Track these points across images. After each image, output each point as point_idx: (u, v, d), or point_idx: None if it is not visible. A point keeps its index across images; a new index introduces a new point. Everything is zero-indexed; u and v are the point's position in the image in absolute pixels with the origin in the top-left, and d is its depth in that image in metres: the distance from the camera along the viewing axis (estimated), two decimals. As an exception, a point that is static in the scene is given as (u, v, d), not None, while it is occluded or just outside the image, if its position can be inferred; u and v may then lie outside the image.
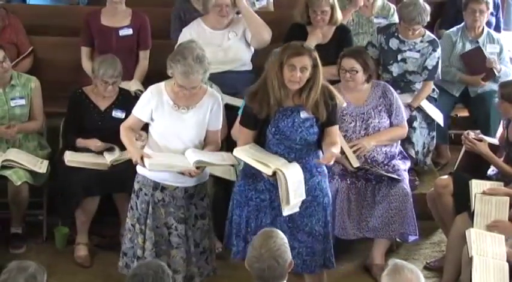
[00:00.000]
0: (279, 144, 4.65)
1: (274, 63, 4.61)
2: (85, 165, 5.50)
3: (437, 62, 6.34)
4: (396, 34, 6.37)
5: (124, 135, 4.86)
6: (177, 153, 4.77)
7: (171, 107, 4.79)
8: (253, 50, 6.31)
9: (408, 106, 6.17)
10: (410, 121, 6.06)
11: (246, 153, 4.61)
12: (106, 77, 5.64)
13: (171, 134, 4.79)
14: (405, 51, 6.33)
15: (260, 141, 4.71)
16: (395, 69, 6.36)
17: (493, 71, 6.51)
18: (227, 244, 4.95)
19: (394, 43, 6.37)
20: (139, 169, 4.88)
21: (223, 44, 6.22)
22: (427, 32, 6.42)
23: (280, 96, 4.58)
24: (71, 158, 5.54)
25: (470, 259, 4.60)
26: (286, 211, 4.60)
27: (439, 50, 6.35)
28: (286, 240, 3.80)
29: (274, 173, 4.53)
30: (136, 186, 4.91)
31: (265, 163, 4.55)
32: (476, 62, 6.60)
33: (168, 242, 4.89)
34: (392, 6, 6.86)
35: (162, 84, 4.87)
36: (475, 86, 6.68)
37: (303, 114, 4.63)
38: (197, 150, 4.81)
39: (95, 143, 5.61)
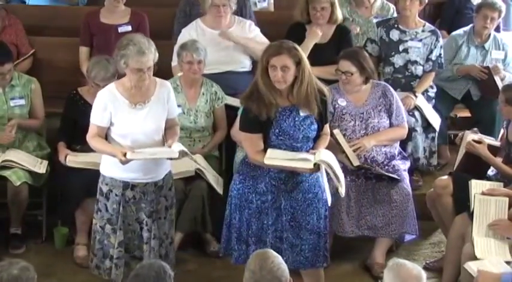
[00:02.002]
0: (281, 144, 4.61)
1: (259, 66, 4.61)
2: (84, 165, 5.48)
3: (440, 53, 6.37)
4: (396, 25, 6.41)
5: (96, 143, 4.75)
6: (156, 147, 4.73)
7: (128, 106, 4.72)
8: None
9: (411, 91, 6.24)
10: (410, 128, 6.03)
11: (278, 157, 4.54)
12: (97, 80, 5.61)
13: (134, 133, 4.72)
14: (407, 41, 6.35)
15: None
16: (397, 60, 6.37)
17: (497, 87, 6.36)
18: (226, 249, 4.89)
19: (394, 34, 6.39)
20: (105, 171, 4.84)
21: (223, 45, 6.21)
22: (427, 23, 6.46)
23: (273, 97, 4.55)
24: (70, 159, 5.54)
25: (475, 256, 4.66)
26: (344, 191, 4.74)
27: (441, 40, 6.39)
28: (281, 258, 3.76)
29: (314, 165, 4.53)
30: (104, 188, 4.85)
31: (303, 159, 4.53)
32: (489, 80, 6.53)
33: (140, 237, 4.86)
34: (392, 6, 6.85)
35: (111, 86, 4.79)
36: (473, 73, 6.60)
37: (302, 113, 4.62)
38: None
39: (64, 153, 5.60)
